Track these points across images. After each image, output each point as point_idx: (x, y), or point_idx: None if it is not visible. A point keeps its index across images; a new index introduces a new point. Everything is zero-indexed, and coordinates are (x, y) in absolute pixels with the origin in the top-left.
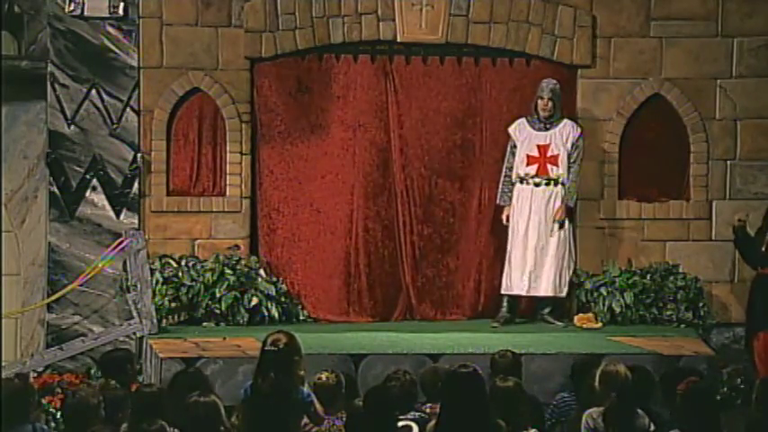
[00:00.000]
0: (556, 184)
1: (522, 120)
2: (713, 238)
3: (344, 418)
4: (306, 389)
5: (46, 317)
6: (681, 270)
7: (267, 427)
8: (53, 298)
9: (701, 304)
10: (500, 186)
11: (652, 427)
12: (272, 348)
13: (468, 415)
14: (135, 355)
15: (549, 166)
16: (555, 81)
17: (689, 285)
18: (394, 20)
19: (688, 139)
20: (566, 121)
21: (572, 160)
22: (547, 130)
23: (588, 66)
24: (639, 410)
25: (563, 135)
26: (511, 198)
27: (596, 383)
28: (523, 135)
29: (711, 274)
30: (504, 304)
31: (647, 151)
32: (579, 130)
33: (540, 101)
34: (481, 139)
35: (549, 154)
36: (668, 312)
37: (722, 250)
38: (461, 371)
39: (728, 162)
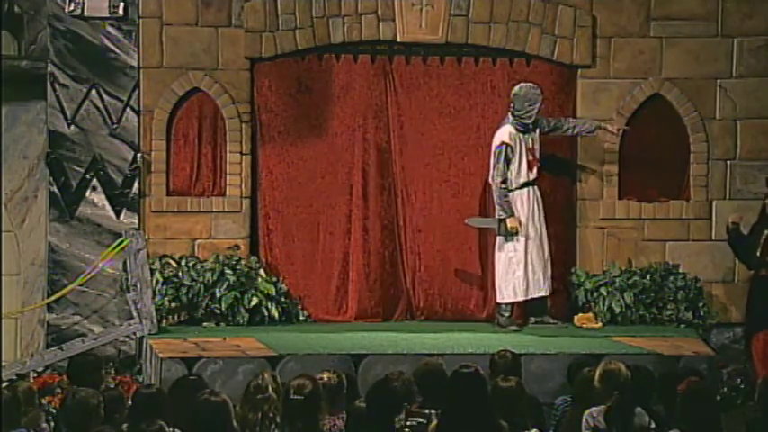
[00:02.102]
0: (535, 183)
1: (509, 126)
2: (713, 238)
3: (345, 418)
4: None
5: (46, 317)
6: (681, 270)
7: None
8: (53, 298)
9: (700, 304)
10: (497, 200)
11: (653, 425)
12: (298, 397)
13: (469, 415)
14: (102, 363)
15: (536, 167)
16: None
17: (689, 285)
18: (394, 20)
19: (688, 139)
20: None
21: (556, 122)
22: (528, 132)
23: (588, 66)
24: (640, 408)
25: (537, 134)
26: (512, 207)
27: (596, 382)
28: (518, 144)
29: (711, 274)
30: (508, 309)
31: (647, 151)
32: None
33: (541, 106)
34: (481, 139)
35: (537, 155)
36: (668, 312)
37: (722, 250)
38: (463, 371)
39: (728, 162)
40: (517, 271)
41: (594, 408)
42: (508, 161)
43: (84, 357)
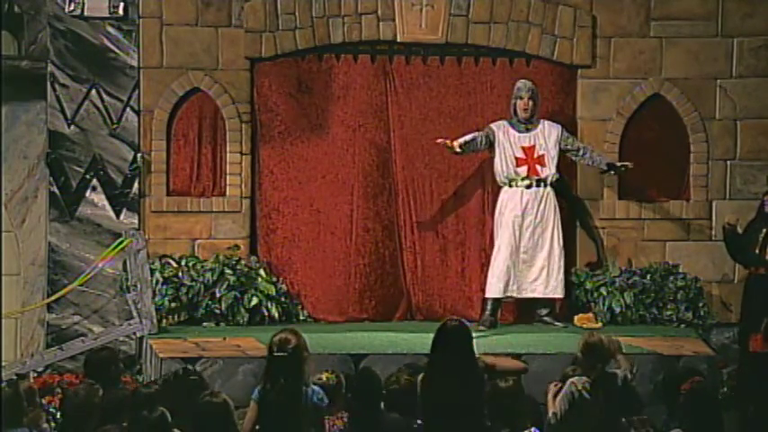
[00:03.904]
0: (545, 185)
1: (504, 122)
2: (713, 238)
3: (345, 418)
4: (318, 390)
5: (46, 317)
6: (681, 270)
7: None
8: (53, 298)
9: (700, 304)
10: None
11: (629, 376)
12: (283, 353)
13: (455, 362)
14: (118, 356)
15: (537, 167)
16: (531, 81)
17: (689, 285)
18: (394, 20)
19: (688, 139)
20: (543, 120)
21: (575, 146)
22: (528, 131)
23: (588, 66)
24: (620, 372)
25: (545, 134)
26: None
27: (579, 353)
28: (506, 137)
29: (711, 274)
30: (488, 307)
31: (647, 151)
32: (559, 125)
33: (519, 101)
34: None
35: (535, 155)
36: (668, 312)
37: (722, 250)
38: (450, 324)
39: (728, 162)
40: (493, 267)
41: (577, 378)
42: (490, 142)
43: (99, 353)
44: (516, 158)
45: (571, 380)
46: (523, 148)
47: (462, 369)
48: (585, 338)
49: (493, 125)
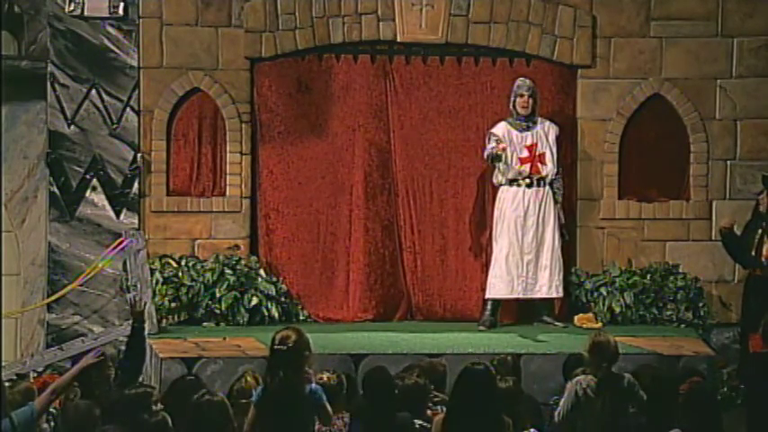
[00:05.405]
0: (544, 184)
1: (504, 123)
2: (713, 238)
3: (346, 418)
4: (317, 386)
5: (46, 317)
6: (681, 270)
7: (282, 427)
8: (53, 298)
9: (700, 304)
10: (485, 153)
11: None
12: (282, 347)
13: (476, 410)
14: (108, 360)
15: (539, 165)
16: (531, 80)
17: (689, 285)
18: (394, 20)
19: (688, 139)
20: (541, 118)
21: (556, 158)
22: (529, 129)
23: (588, 66)
24: (631, 377)
25: (545, 132)
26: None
27: (586, 353)
28: (510, 138)
29: (711, 274)
30: (489, 308)
31: (647, 151)
32: (557, 126)
33: (519, 98)
34: (481, 140)
35: (537, 152)
36: (668, 312)
37: (722, 250)
38: (475, 368)
39: (728, 162)
40: (494, 267)
41: (582, 377)
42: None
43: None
44: (520, 158)
45: (577, 378)
46: (527, 147)
47: (484, 414)
48: (593, 338)
49: (497, 132)
